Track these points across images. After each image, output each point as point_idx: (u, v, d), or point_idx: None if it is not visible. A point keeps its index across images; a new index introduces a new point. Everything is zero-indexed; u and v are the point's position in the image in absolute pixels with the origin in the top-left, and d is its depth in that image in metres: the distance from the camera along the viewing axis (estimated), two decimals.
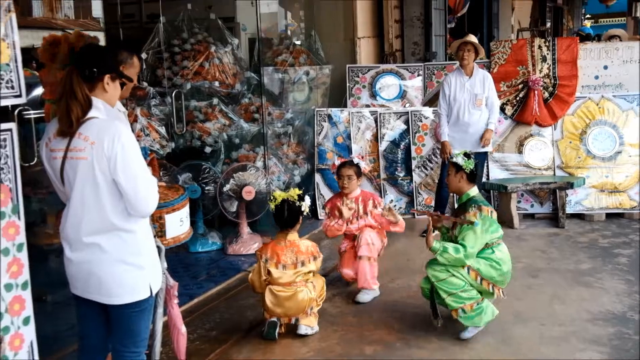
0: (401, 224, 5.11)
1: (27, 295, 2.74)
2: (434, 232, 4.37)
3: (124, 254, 2.83)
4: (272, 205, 4.49)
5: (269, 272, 4.39)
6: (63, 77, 2.79)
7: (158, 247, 3.13)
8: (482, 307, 4.35)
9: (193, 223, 6.45)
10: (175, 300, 3.35)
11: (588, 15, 27.39)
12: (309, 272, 4.49)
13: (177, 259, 6.13)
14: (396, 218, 5.07)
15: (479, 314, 4.35)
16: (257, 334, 4.54)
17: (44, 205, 5.55)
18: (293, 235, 4.51)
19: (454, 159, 4.53)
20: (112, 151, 2.72)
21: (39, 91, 6.57)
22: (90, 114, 2.79)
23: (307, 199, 4.55)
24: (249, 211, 6.30)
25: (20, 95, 2.64)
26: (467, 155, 4.55)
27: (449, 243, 4.32)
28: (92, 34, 4.09)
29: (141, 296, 2.90)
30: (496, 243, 4.42)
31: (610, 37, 10.80)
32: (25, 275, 2.72)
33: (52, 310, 4.86)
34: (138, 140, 6.20)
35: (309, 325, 4.51)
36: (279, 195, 4.50)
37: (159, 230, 3.32)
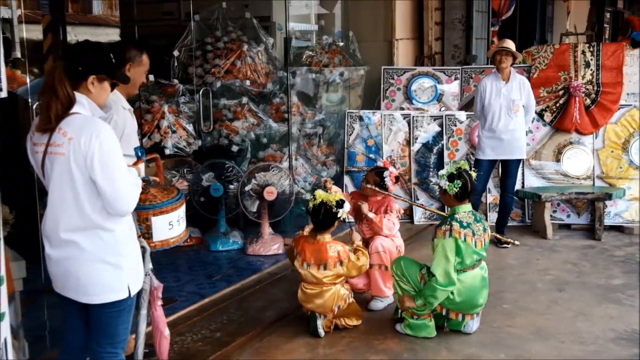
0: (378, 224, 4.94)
1: (2, 290, 2.71)
2: None
3: (103, 253, 2.78)
4: (310, 204, 4.49)
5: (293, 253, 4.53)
6: (47, 72, 2.76)
7: (143, 247, 3.07)
8: (423, 323, 4.40)
9: (215, 222, 6.43)
10: (159, 302, 3.28)
11: None
12: (336, 275, 4.42)
13: (197, 257, 6.11)
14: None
15: (418, 326, 4.41)
16: (260, 337, 4.46)
17: None
18: (323, 237, 4.46)
19: (440, 182, 4.47)
20: (89, 148, 2.66)
21: None
22: (74, 109, 2.74)
23: (347, 206, 4.48)
24: (271, 212, 6.23)
25: (1, 90, 2.61)
26: (452, 176, 4.41)
27: (423, 291, 4.33)
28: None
29: (119, 296, 2.84)
30: (461, 270, 4.31)
31: None
32: (1, 271, 2.68)
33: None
34: (164, 138, 6.30)
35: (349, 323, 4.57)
36: (320, 195, 4.47)
37: (146, 232, 3.23)
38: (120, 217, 2.82)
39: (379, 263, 4.89)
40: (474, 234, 4.31)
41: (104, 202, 2.74)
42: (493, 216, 7.11)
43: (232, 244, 6.33)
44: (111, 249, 2.79)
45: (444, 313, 4.40)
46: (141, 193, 2.97)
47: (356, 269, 4.50)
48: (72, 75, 2.77)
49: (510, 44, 6.44)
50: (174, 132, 6.42)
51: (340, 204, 4.44)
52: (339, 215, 4.44)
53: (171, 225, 3.30)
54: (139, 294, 3.05)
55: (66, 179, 2.72)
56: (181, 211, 3.40)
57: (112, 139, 2.73)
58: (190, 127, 6.54)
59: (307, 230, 4.63)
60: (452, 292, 4.27)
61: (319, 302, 4.41)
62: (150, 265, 3.14)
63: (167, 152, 6.28)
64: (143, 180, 3.19)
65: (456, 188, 4.37)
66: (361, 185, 5.20)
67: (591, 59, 7.38)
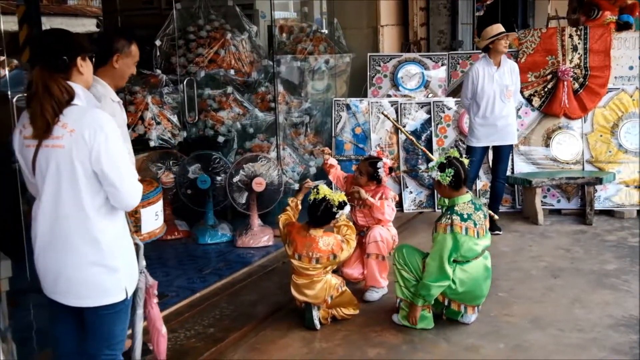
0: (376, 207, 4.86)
1: None
2: None
3: (98, 255, 2.65)
4: (312, 196, 4.38)
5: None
6: (32, 79, 2.60)
7: (136, 244, 2.96)
8: (421, 314, 4.34)
9: (203, 214, 6.31)
10: (155, 300, 3.18)
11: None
12: (327, 267, 4.36)
13: (185, 250, 6.00)
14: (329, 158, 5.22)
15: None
16: (255, 332, 4.36)
17: None
18: (316, 232, 4.36)
19: (432, 174, 4.37)
20: (94, 141, 2.55)
21: None
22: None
23: (347, 209, 4.39)
24: (260, 203, 6.11)
25: None
26: (442, 165, 4.31)
27: (418, 290, 4.30)
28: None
29: (116, 299, 2.72)
30: (464, 261, 4.24)
31: None
32: None
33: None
34: (148, 130, 6.15)
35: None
36: (323, 191, 4.36)
37: (135, 226, 3.15)
38: (116, 215, 2.71)
39: (377, 252, 4.81)
40: (475, 224, 4.23)
41: (110, 196, 2.63)
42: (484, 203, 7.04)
43: (221, 237, 6.21)
44: (107, 251, 2.66)
45: (445, 303, 4.32)
46: None
47: (347, 255, 4.46)
48: (60, 68, 2.64)
49: (502, 28, 6.33)
50: (158, 123, 6.27)
51: (341, 205, 4.34)
52: (337, 216, 4.36)
53: (157, 216, 3.29)
54: (135, 292, 2.94)
55: (65, 173, 2.59)
56: (161, 202, 3.41)
57: (116, 130, 2.63)
58: (174, 118, 6.39)
59: (294, 203, 4.60)
60: (454, 282, 4.20)
61: (311, 293, 4.33)
62: (144, 263, 3.04)
63: (152, 144, 6.13)
64: None
65: (449, 177, 4.27)
66: (354, 176, 5.10)
67: (578, 43, 7.32)
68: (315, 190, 4.40)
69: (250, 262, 5.65)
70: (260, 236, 6.06)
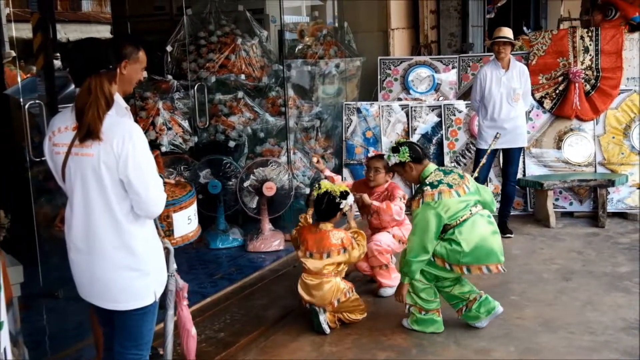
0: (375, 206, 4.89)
1: (1, 298, 2.60)
2: None
3: (130, 260, 2.73)
4: (314, 192, 4.51)
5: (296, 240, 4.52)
6: (84, 88, 2.65)
7: (167, 248, 3.03)
8: (431, 318, 4.33)
9: (214, 219, 6.33)
10: (185, 302, 3.26)
11: None
12: (338, 263, 4.39)
13: (197, 255, 6.02)
14: (321, 167, 5.15)
15: (425, 322, 4.34)
16: (265, 337, 4.37)
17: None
18: (326, 226, 4.44)
19: (391, 160, 4.38)
20: (122, 150, 2.61)
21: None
22: None
23: (350, 198, 4.46)
24: (271, 207, 6.13)
25: None
26: (395, 148, 4.35)
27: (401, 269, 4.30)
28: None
29: (146, 302, 2.80)
30: (459, 222, 4.16)
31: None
32: None
33: (64, 306, 4.81)
34: (160, 135, 6.19)
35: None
36: (324, 185, 4.48)
37: (167, 230, 3.21)
38: (145, 220, 2.78)
39: (379, 264, 4.88)
40: (450, 186, 4.17)
41: (134, 204, 2.69)
42: (495, 206, 7.02)
43: (232, 242, 6.24)
44: (138, 255, 2.74)
45: (464, 271, 4.20)
46: None
47: (357, 256, 4.48)
48: (108, 75, 2.73)
49: (507, 32, 6.33)
50: (169, 129, 6.31)
51: (344, 195, 4.43)
52: (341, 207, 4.42)
53: (189, 220, 3.35)
54: (165, 294, 3.01)
55: (93, 181, 2.65)
56: (195, 205, 3.43)
57: (144, 140, 2.69)
58: (185, 124, 6.43)
59: (303, 218, 4.62)
60: (460, 245, 4.11)
61: (318, 294, 4.35)
62: (174, 266, 3.10)
63: (163, 149, 6.16)
64: None
65: (406, 153, 4.28)
66: (366, 176, 5.12)
67: (590, 44, 7.29)
68: (317, 186, 4.51)
69: (262, 266, 5.67)
70: (271, 240, 6.07)
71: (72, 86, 6.26)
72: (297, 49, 7.76)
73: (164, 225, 3.25)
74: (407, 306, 4.41)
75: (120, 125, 2.67)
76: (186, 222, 3.41)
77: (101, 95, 2.64)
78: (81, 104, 2.63)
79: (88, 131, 2.60)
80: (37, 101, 4.86)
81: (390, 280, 4.93)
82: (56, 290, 4.87)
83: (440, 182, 4.20)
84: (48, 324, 4.51)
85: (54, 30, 5.31)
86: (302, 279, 4.43)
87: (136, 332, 2.86)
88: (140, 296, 2.78)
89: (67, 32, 9.22)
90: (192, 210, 3.47)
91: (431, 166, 4.35)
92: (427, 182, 4.22)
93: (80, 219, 2.71)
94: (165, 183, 3.38)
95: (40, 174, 4.95)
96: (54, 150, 2.72)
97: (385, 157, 4.47)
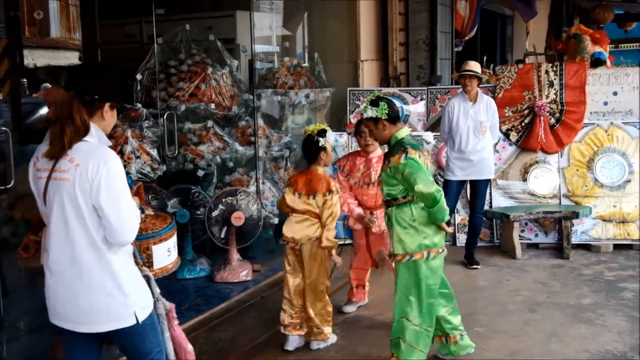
0: None
1: None
2: None
3: (108, 284, 2.73)
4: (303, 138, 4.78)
5: (284, 198, 4.72)
6: (62, 101, 2.71)
7: (146, 276, 3.00)
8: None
9: (181, 248, 6.27)
10: (176, 322, 3.26)
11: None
12: (322, 203, 4.51)
13: (163, 285, 5.87)
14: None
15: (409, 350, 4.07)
16: None
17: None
18: (316, 168, 4.68)
19: (367, 113, 4.10)
20: (95, 175, 2.63)
21: (43, 111, 6.52)
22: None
23: (329, 135, 4.69)
24: (239, 237, 6.10)
25: None
26: (374, 101, 4.09)
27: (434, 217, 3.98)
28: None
29: (125, 324, 2.78)
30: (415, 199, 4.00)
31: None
32: None
33: (27, 337, 4.71)
34: (128, 164, 6.15)
35: (322, 340, 4.60)
36: (308, 129, 4.76)
37: (147, 261, 3.21)
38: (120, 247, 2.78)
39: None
40: (426, 157, 4.06)
41: (105, 231, 2.70)
42: (462, 237, 7.10)
43: (199, 272, 6.18)
44: (116, 279, 2.74)
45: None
46: (141, 222, 2.93)
47: (330, 209, 4.51)
48: (88, 103, 2.75)
49: (473, 66, 6.45)
50: (137, 157, 6.26)
51: (321, 133, 4.64)
52: (320, 144, 4.61)
53: (169, 252, 3.37)
54: (158, 318, 3.01)
55: (70, 205, 2.67)
56: (175, 237, 3.46)
57: (120, 167, 2.70)
58: (154, 152, 6.39)
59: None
60: (413, 214, 4.01)
61: (301, 230, 4.55)
62: (157, 290, 3.08)
63: (131, 178, 6.11)
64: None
65: (385, 110, 4.05)
66: (359, 143, 5.23)
67: (554, 79, 7.46)
68: (304, 132, 4.79)
69: (229, 297, 5.62)
70: (238, 271, 6.03)
71: (39, 112, 6.22)
72: (266, 79, 7.78)
73: (144, 257, 3.27)
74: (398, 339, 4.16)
75: (98, 150, 2.70)
76: (166, 254, 3.44)
77: (77, 114, 2.69)
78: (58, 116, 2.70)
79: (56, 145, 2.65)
80: (3, 128, 4.80)
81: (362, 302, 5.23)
82: (17, 322, 4.77)
83: (418, 147, 4.01)
84: (8, 357, 4.40)
85: (21, 55, 5.28)
86: (289, 220, 4.65)
87: (139, 348, 2.88)
88: (117, 318, 2.78)
89: (35, 58, 9.14)
90: (172, 242, 3.51)
91: (406, 129, 4.15)
92: (407, 142, 3.99)
93: (60, 242, 2.72)
94: (146, 215, 3.39)
95: (3, 202, 4.88)
96: (37, 175, 2.76)
97: (362, 108, 4.22)
